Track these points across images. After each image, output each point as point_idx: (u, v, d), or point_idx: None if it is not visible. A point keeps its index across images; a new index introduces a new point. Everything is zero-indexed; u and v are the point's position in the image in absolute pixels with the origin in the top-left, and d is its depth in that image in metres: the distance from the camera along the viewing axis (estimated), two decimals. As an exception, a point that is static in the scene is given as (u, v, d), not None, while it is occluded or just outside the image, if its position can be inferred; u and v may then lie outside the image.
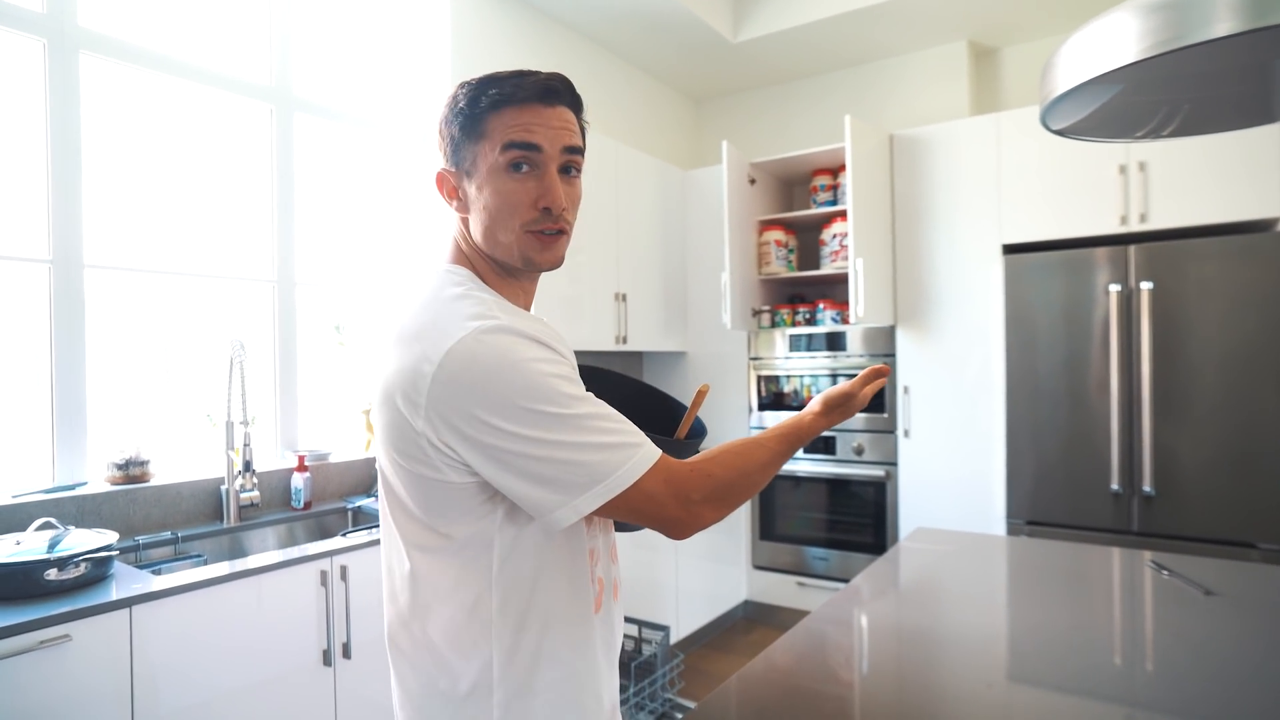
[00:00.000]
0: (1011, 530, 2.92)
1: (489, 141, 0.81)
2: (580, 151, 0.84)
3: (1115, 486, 2.73)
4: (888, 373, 0.99)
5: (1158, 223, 2.73)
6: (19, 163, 1.93)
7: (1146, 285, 2.67)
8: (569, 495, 0.76)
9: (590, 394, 0.79)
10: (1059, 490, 2.84)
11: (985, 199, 3.06)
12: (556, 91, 0.82)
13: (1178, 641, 1.17)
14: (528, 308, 0.91)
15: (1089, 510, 2.78)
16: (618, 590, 0.96)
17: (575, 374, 0.80)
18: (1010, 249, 3.04)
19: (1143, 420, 2.67)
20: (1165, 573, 1.48)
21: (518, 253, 0.83)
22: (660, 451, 0.80)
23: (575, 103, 0.85)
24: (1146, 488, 2.67)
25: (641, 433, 0.80)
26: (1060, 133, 1.33)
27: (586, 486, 0.75)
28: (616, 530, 0.98)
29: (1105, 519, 2.76)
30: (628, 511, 0.79)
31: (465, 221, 0.86)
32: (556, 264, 0.85)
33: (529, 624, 0.83)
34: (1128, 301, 2.71)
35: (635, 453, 0.77)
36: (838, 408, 0.95)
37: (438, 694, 0.84)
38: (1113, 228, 2.80)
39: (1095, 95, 1.15)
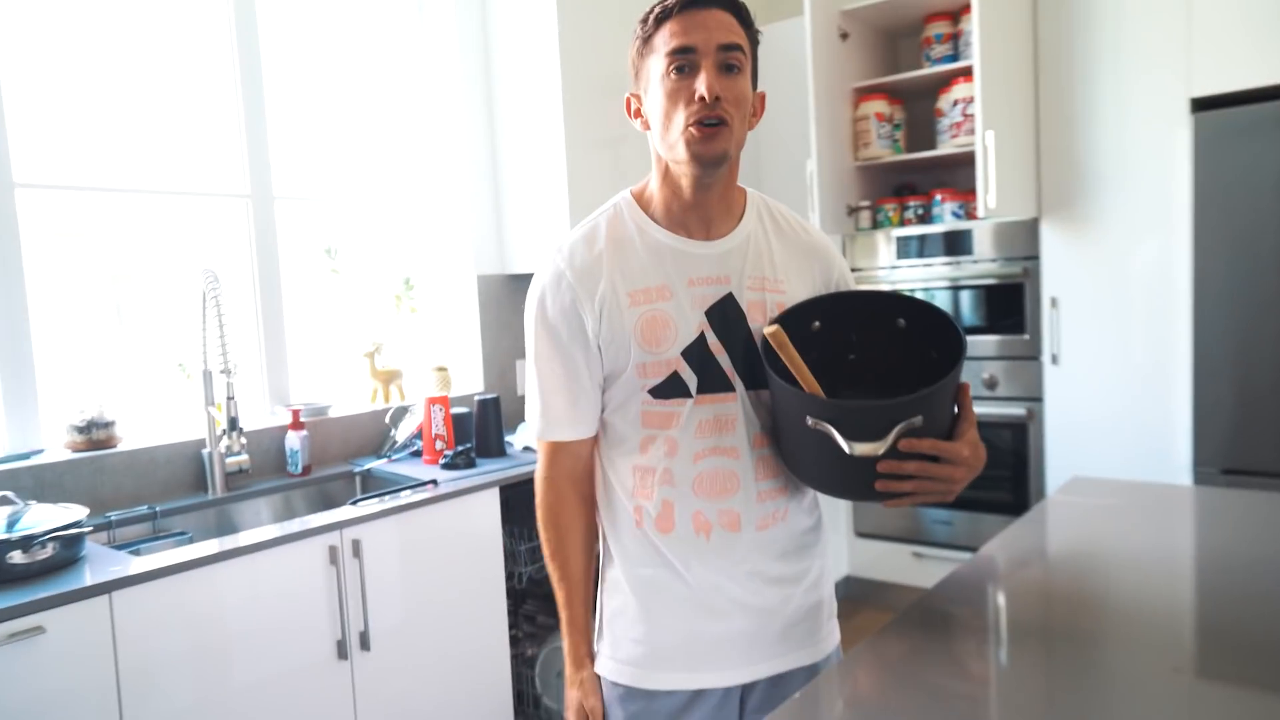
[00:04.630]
0: (1201, 480, 2.82)
1: (656, 55, 1.10)
2: (738, 49, 1.08)
3: (1344, 420, 2.59)
4: None
5: None
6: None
7: (1397, 146, 2.45)
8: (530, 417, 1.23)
9: (557, 346, 1.15)
10: (1269, 430, 2.71)
11: (1167, 39, 2.83)
12: None
13: None
14: (719, 205, 1.16)
15: (1308, 453, 2.66)
16: (709, 526, 1.14)
17: (569, 316, 1.14)
18: (1202, 104, 2.82)
19: (1385, 330, 2.50)
20: None
21: (683, 149, 1.07)
22: (556, 438, 1.19)
23: (732, 6, 1.09)
24: (1388, 420, 2.52)
25: (555, 409, 1.17)
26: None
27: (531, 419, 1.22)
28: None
29: (1331, 464, 2.63)
30: None
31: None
32: (718, 157, 1.08)
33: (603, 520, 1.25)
34: (1368, 170, 2.50)
35: (540, 419, 1.19)
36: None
37: None
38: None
39: None
